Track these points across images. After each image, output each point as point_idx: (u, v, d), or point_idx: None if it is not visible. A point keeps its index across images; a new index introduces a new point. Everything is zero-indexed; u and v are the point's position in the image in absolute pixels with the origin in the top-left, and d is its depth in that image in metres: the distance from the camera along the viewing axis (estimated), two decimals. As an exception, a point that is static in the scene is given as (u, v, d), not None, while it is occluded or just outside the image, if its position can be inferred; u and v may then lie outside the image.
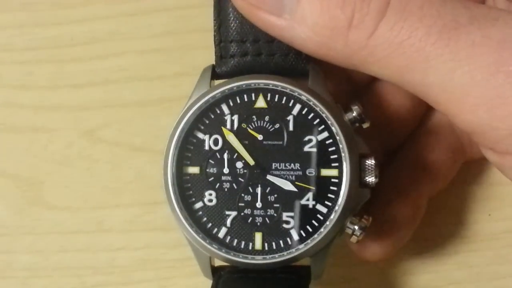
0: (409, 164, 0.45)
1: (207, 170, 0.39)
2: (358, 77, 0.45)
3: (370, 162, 0.38)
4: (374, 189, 0.39)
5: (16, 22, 0.53)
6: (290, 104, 0.39)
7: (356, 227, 0.38)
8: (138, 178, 0.51)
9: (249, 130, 0.39)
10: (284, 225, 0.39)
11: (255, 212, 0.39)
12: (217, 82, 0.40)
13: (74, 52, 0.52)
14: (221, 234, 0.39)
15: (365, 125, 0.38)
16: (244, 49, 0.39)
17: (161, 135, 0.50)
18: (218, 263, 0.41)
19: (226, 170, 0.39)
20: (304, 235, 0.38)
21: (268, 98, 0.39)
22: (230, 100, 0.39)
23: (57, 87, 0.52)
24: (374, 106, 0.44)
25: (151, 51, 0.52)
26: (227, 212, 0.39)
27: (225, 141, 0.39)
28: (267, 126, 0.39)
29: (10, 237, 0.51)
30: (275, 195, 0.39)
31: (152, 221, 0.51)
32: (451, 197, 0.50)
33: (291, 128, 0.39)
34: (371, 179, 0.38)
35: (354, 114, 0.38)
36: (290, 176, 0.38)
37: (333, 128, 0.38)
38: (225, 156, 0.39)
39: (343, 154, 0.38)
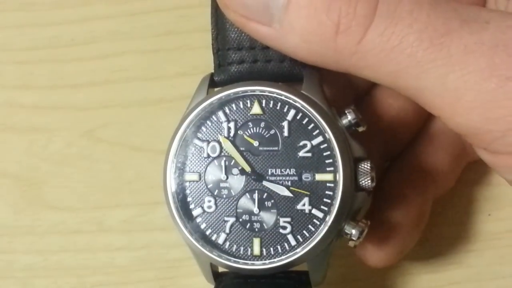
0: (412, 168, 0.45)
1: (206, 177, 0.39)
2: (360, 80, 0.44)
3: (366, 165, 0.38)
4: (371, 193, 0.39)
5: (15, 22, 0.53)
6: (285, 110, 0.39)
7: (353, 231, 0.38)
8: (138, 178, 0.51)
9: (245, 136, 0.39)
10: (281, 230, 0.39)
11: (253, 218, 0.39)
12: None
13: (74, 52, 0.52)
14: (220, 240, 0.39)
15: (361, 129, 0.38)
16: (241, 57, 0.39)
17: (161, 135, 0.50)
18: (222, 269, 0.41)
19: (223, 176, 0.39)
20: (301, 239, 0.38)
21: (263, 104, 0.39)
22: (226, 107, 0.39)
23: (57, 87, 0.52)
24: (375, 109, 0.44)
25: (151, 51, 0.52)
26: (226, 218, 0.39)
27: (222, 148, 0.39)
28: (262, 132, 0.39)
29: (10, 237, 0.51)
30: (272, 201, 0.39)
31: (152, 221, 0.51)
32: (451, 198, 0.50)
33: (286, 133, 0.38)
34: (367, 182, 0.38)
35: (349, 118, 0.38)
36: (286, 182, 0.38)
37: (326, 133, 0.38)
38: (223, 163, 0.39)
39: (336, 159, 0.38)
